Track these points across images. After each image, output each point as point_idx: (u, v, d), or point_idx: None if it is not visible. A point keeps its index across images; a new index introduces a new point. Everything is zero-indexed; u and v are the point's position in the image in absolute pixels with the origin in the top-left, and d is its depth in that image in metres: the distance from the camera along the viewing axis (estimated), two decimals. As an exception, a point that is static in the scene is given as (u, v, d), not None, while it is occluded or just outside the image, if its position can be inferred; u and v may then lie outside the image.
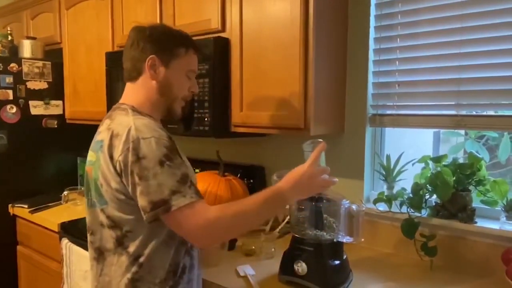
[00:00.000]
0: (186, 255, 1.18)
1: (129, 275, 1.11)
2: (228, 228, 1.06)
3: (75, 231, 1.94)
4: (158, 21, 1.98)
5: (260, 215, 1.12)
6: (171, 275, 1.14)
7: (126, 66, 1.21)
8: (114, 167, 1.07)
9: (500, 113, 1.48)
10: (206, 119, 1.69)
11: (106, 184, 1.09)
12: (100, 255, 1.18)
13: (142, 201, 1.03)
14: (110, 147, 1.08)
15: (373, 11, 1.67)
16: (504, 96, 1.42)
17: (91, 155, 1.19)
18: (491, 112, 1.50)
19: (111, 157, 1.07)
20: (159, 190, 1.01)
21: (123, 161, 1.04)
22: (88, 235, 1.22)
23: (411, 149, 1.74)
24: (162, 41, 1.18)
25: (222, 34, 1.73)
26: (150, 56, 1.15)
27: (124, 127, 1.08)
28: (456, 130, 1.80)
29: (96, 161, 1.13)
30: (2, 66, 2.36)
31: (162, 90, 1.18)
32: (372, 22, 1.68)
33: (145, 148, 1.03)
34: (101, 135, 1.14)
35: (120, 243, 1.12)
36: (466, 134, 1.96)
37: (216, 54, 1.68)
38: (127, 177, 1.04)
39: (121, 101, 1.22)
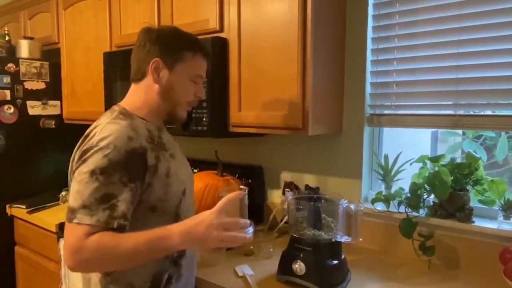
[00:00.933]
0: (172, 264, 1.15)
1: (101, 275, 1.11)
2: (96, 262, 0.97)
3: (73, 231, 1.93)
4: (156, 21, 1.98)
5: (136, 256, 0.98)
6: (149, 285, 1.12)
7: (132, 67, 1.20)
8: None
9: (497, 113, 1.49)
10: (204, 119, 1.69)
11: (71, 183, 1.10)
12: None
13: None
14: (79, 146, 1.09)
15: (371, 11, 1.67)
16: (502, 96, 1.43)
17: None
18: (489, 112, 1.50)
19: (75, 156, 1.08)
20: (74, 197, 0.99)
21: (76, 160, 1.05)
22: None
23: (409, 149, 1.74)
24: (169, 44, 1.14)
25: (220, 34, 1.73)
26: (155, 59, 1.12)
27: (96, 129, 1.08)
28: (454, 130, 1.80)
29: (71, 162, 1.13)
30: (-1, 66, 2.36)
31: (164, 94, 1.15)
32: (370, 22, 1.68)
33: (91, 153, 1.01)
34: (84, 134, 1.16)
35: None
36: (463, 133, 1.97)
37: (214, 54, 1.67)
38: (72, 175, 1.05)
39: (121, 102, 1.21)
